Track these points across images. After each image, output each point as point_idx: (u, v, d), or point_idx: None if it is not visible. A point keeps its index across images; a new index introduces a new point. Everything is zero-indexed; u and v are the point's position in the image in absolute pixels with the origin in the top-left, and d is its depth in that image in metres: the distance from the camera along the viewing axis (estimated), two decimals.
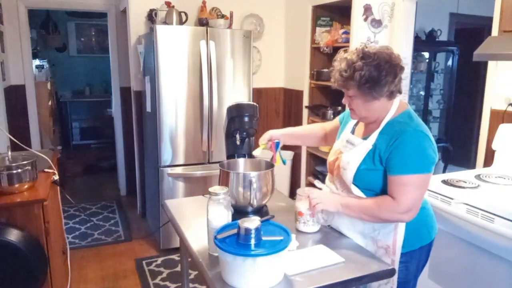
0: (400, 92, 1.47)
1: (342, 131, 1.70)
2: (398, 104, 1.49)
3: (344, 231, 1.58)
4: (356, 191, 1.52)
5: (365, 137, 1.53)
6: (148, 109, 3.43)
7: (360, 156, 1.48)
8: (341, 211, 1.51)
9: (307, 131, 1.99)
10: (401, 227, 1.47)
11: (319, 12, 3.71)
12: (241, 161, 1.85)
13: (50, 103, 4.99)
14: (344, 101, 1.52)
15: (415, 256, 1.54)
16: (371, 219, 1.47)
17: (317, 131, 1.93)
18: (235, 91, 3.36)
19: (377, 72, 1.38)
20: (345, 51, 1.50)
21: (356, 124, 1.65)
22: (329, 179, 1.70)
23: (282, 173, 4.08)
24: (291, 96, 4.25)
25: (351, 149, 1.54)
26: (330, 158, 1.66)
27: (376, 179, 1.48)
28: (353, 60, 1.41)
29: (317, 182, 1.70)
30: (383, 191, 1.49)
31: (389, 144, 1.42)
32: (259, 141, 1.87)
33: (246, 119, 1.95)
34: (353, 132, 1.64)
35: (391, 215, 1.42)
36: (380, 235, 1.50)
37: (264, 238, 1.21)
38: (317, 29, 3.69)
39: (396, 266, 1.47)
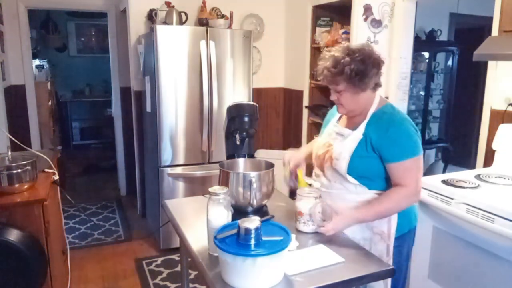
0: (380, 85, 1.59)
1: (325, 127, 1.77)
2: (379, 98, 1.61)
3: None
4: (351, 179, 1.56)
5: (353, 128, 1.61)
6: (148, 109, 3.43)
7: (352, 145, 1.56)
8: (361, 221, 1.55)
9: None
10: None
11: (319, 12, 3.71)
12: (241, 161, 1.85)
13: (50, 103, 4.98)
14: (332, 97, 1.60)
15: (406, 239, 1.63)
16: (390, 214, 1.54)
17: None
18: (235, 91, 3.36)
19: (363, 65, 1.48)
20: (329, 50, 1.58)
21: (338, 120, 1.73)
22: (315, 175, 1.73)
23: (282, 173, 4.07)
24: (291, 96, 4.25)
25: (341, 140, 1.61)
26: (318, 152, 1.70)
27: (370, 165, 1.55)
28: (340, 56, 1.50)
29: (307, 179, 1.73)
30: (376, 176, 1.57)
31: (380, 133, 1.52)
32: (284, 164, 1.78)
33: (246, 119, 1.95)
34: None
35: (408, 201, 1.53)
36: (375, 221, 1.56)
37: (264, 238, 1.21)
38: (317, 29, 3.69)
39: (391, 251, 1.55)
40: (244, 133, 1.95)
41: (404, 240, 1.61)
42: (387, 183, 1.58)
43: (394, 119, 1.54)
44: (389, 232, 1.55)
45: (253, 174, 1.60)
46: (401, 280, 1.68)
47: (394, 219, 1.55)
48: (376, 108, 1.58)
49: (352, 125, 1.63)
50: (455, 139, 5.16)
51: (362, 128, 1.56)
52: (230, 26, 3.57)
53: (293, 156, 1.79)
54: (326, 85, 1.59)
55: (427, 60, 4.78)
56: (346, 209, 1.56)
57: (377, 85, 1.57)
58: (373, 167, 1.55)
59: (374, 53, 1.53)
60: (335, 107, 1.76)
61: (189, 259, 1.71)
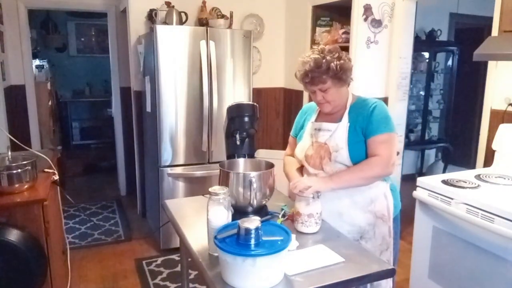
0: (352, 80, 1.75)
1: (302, 135, 1.85)
2: (351, 93, 1.77)
3: (345, 211, 1.71)
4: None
5: (336, 121, 1.72)
6: (148, 109, 3.43)
7: (344, 134, 1.68)
8: (335, 187, 1.63)
9: (296, 162, 1.91)
10: (390, 196, 1.71)
11: (319, 12, 3.70)
12: (241, 161, 1.85)
13: (50, 103, 4.98)
14: (318, 98, 1.70)
15: (397, 220, 1.78)
16: (363, 181, 1.65)
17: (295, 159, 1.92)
18: (235, 91, 3.36)
19: (343, 61, 1.64)
20: (303, 57, 1.70)
21: (315, 121, 1.81)
22: (311, 175, 1.75)
23: (282, 173, 4.07)
24: (291, 96, 4.25)
25: (330, 134, 1.71)
26: (307, 153, 1.76)
27: (364, 150, 1.66)
28: (320, 57, 1.63)
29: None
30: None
31: (364, 114, 1.67)
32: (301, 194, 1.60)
33: (246, 119, 1.95)
34: None
35: (381, 169, 1.63)
36: (376, 206, 1.70)
37: (264, 238, 1.21)
38: (317, 29, 3.68)
39: (392, 232, 1.70)
40: (244, 133, 1.95)
41: (397, 221, 1.76)
42: None
43: (375, 101, 1.72)
44: (389, 215, 1.70)
45: (253, 174, 1.60)
46: (395, 260, 1.80)
47: (390, 201, 1.70)
48: (352, 100, 1.75)
49: (333, 120, 1.74)
50: (455, 139, 5.16)
51: (346, 117, 1.71)
52: (230, 26, 3.57)
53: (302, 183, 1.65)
54: (309, 89, 1.69)
55: (427, 60, 4.78)
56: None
57: (351, 79, 1.73)
58: (365, 151, 1.67)
59: (343, 53, 1.71)
60: (303, 110, 1.96)
61: (189, 259, 1.70)
